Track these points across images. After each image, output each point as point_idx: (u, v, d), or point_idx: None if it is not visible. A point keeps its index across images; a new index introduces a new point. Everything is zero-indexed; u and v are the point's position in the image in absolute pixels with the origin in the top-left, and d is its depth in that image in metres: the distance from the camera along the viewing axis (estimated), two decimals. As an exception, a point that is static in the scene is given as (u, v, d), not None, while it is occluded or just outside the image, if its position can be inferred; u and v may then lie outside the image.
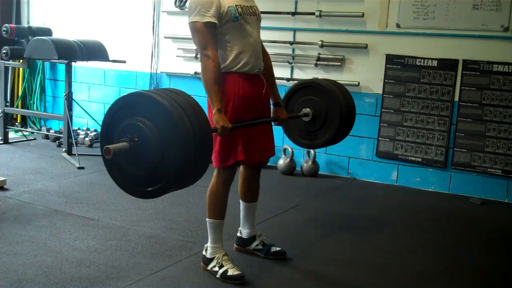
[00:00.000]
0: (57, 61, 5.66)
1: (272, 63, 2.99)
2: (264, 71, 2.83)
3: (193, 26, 2.57)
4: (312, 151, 5.07)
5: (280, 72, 5.11)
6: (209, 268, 2.76)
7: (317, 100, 3.15)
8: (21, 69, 6.62)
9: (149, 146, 2.07)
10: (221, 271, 2.71)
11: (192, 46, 5.66)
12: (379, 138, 4.97)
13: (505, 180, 4.53)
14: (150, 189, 2.16)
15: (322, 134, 3.19)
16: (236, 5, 2.64)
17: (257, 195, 3.02)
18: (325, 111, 3.14)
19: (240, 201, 3.02)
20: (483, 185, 4.61)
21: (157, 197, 2.23)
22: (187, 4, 2.60)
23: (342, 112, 3.12)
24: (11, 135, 6.06)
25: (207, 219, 2.80)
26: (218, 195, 2.75)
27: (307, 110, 3.16)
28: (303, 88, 3.16)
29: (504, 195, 4.55)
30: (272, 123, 2.96)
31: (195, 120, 2.12)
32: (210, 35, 2.56)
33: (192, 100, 2.24)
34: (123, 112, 2.15)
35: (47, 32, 5.90)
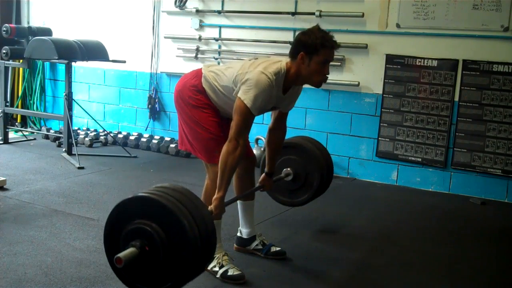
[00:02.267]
0: (57, 61, 5.66)
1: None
2: (273, 143, 2.95)
3: (241, 105, 2.52)
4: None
5: (280, 72, 5.10)
6: (209, 268, 2.76)
7: (297, 159, 3.28)
8: (21, 69, 6.62)
9: (157, 249, 2.07)
10: (221, 271, 2.71)
11: (192, 46, 5.68)
12: (379, 138, 4.97)
13: (505, 180, 4.53)
14: None
15: (303, 193, 3.34)
16: (269, 107, 2.68)
17: (253, 194, 3.03)
18: (305, 171, 3.27)
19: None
20: (483, 185, 4.61)
21: None
22: (247, 75, 2.56)
23: (322, 172, 3.26)
24: (11, 135, 6.06)
25: (204, 220, 2.80)
26: (213, 195, 2.75)
27: (288, 170, 3.28)
28: (283, 148, 3.18)
29: (504, 195, 4.55)
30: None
31: (197, 214, 2.14)
32: (249, 124, 2.60)
33: (190, 193, 2.24)
34: (126, 216, 2.15)
35: (47, 32, 5.90)
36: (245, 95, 2.51)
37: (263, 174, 3.05)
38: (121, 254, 2.03)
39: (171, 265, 2.08)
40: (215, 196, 2.57)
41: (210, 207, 2.56)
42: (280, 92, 2.63)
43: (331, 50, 2.57)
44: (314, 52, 2.53)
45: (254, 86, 2.50)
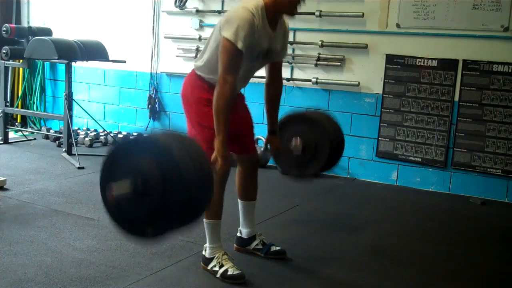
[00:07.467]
0: (57, 61, 5.66)
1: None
2: (271, 98, 2.92)
3: (225, 43, 2.50)
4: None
5: (280, 72, 5.11)
6: (209, 268, 2.76)
7: (306, 132, 3.20)
8: (21, 69, 6.62)
9: (151, 186, 2.05)
10: (221, 270, 2.71)
11: (192, 46, 5.67)
12: (379, 138, 4.97)
13: (505, 180, 4.53)
14: (151, 230, 2.12)
15: (312, 165, 3.23)
16: (264, 49, 2.62)
17: (255, 194, 3.02)
18: (315, 143, 3.18)
19: (238, 200, 3.02)
20: (483, 185, 4.61)
21: (158, 237, 2.15)
22: (226, 15, 2.58)
23: (331, 145, 3.18)
24: (11, 135, 6.06)
25: (204, 220, 2.80)
26: (217, 196, 2.75)
27: (297, 139, 3.17)
28: (292, 120, 3.17)
29: (504, 195, 4.55)
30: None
31: (192, 149, 2.11)
32: (237, 61, 2.53)
33: (188, 140, 2.24)
34: (124, 153, 2.14)
35: (47, 32, 5.89)
36: (227, 31, 2.49)
37: (267, 134, 3.01)
38: (113, 183, 2.03)
39: (163, 204, 2.04)
40: (216, 140, 2.54)
41: (214, 154, 2.52)
42: (267, 26, 2.59)
43: None
44: None
45: (235, 19, 2.48)
